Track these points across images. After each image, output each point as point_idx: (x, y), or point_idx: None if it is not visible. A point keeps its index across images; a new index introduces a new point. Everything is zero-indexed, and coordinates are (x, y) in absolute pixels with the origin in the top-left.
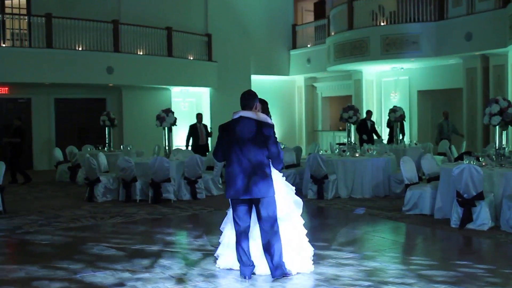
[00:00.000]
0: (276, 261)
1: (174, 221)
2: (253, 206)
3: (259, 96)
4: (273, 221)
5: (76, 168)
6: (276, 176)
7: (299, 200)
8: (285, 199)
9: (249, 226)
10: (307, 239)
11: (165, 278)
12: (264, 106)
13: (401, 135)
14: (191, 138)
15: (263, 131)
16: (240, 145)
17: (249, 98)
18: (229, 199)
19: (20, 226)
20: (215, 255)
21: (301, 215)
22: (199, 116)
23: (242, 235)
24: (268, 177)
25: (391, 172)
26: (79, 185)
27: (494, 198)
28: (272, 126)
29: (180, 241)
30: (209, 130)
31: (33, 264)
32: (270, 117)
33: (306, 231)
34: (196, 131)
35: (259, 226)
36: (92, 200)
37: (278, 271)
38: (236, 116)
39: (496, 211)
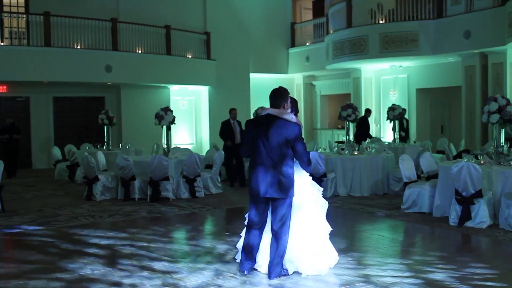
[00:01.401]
0: (275, 263)
1: (172, 219)
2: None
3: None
4: (285, 223)
5: (75, 167)
6: (302, 176)
7: (324, 203)
8: (310, 201)
9: (264, 224)
10: (331, 245)
11: (164, 276)
12: (294, 106)
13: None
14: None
15: (289, 130)
16: (264, 143)
17: (278, 96)
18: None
19: (19, 225)
20: (237, 246)
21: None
22: (233, 112)
23: (254, 232)
24: (289, 178)
25: (390, 170)
26: (77, 184)
27: (492, 196)
28: (299, 126)
29: (179, 240)
30: (243, 127)
31: (32, 263)
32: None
33: (328, 237)
34: (229, 128)
35: (271, 225)
36: (90, 198)
37: (274, 273)
38: (264, 113)
39: (495, 209)
